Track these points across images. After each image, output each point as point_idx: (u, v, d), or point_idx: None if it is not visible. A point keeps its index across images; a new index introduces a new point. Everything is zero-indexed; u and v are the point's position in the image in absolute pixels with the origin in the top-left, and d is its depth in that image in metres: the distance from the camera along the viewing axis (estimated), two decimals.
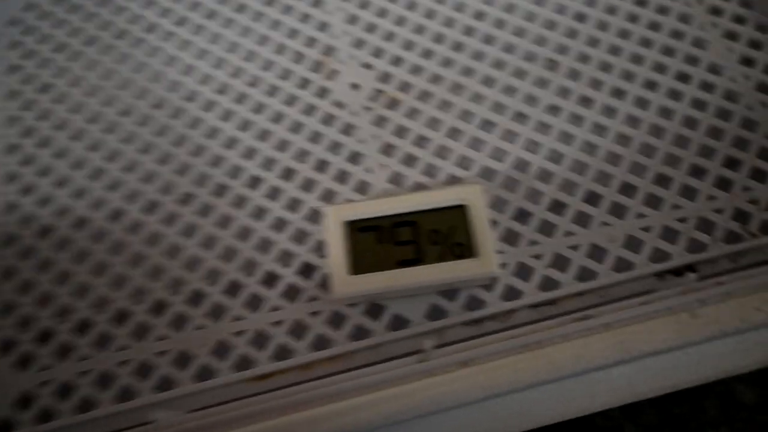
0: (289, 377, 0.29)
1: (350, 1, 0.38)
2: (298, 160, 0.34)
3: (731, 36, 0.35)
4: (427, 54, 0.37)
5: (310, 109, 0.35)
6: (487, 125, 0.34)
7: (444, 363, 0.25)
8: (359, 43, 0.37)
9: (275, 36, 0.37)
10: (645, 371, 0.25)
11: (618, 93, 0.34)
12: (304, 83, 0.36)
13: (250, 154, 0.34)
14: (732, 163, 0.32)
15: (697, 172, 0.32)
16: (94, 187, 0.34)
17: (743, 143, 0.32)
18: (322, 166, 0.34)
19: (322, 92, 0.36)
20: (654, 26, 0.36)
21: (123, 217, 0.33)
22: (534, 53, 0.36)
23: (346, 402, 0.24)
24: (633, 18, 0.36)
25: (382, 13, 0.38)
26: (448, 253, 0.28)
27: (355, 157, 0.34)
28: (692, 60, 0.35)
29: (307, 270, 0.31)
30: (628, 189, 0.32)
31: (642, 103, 0.34)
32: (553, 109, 0.34)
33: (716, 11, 0.36)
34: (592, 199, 0.32)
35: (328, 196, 0.33)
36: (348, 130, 0.35)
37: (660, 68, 0.35)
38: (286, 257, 0.31)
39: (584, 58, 0.35)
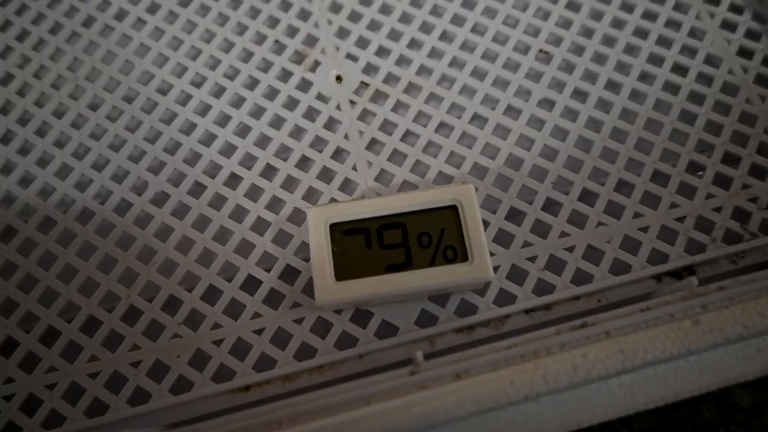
0: (271, 388, 0.27)
1: None
2: (278, 157, 0.32)
3: (729, 27, 0.34)
4: (415, 45, 0.35)
5: (291, 103, 0.33)
6: (477, 120, 0.33)
7: (436, 375, 0.24)
8: (343, 33, 0.35)
9: (254, 24, 0.35)
10: (645, 380, 0.24)
11: (613, 86, 0.33)
12: (285, 75, 0.34)
13: (227, 150, 0.32)
14: (731, 160, 0.31)
15: (695, 168, 0.31)
16: (59, 185, 0.31)
17: (742, 138, 0.31)
18: (304, 163, 0.32)
19: (304, 85, 0.34)
20: (649, 16, 0.35)
21: (91, 218, 0.31)
22: (527, 44, 0.34)
23: (333, 418, 0.23)
24: (628, 8, 0.35)
25: (366, 1, 0.36)
26: (439, 257, 0.27)
27: (339, 154, 0.32)
28: (689, 51, 0.34)
29: (289, 274, 0.29)
30: (624, 187, 0.30)
31: (637, 95, 0.33)
32: (547, 103, 0.33)
33: (714, 0, 0.35)
34: (588, 197, 0.30)
35: (311, 196, 0.31)
36: (331, 125, 0.33)
37: (656, 60, 0.33)
38: (267, 260, 0.30)
39: (578, 50, 0.34)
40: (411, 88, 0.34)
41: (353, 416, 0.23)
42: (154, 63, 0.34)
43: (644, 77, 0.33)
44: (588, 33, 0.34)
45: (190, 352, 0.28)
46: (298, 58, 0.34)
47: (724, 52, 0.33)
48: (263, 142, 0.32)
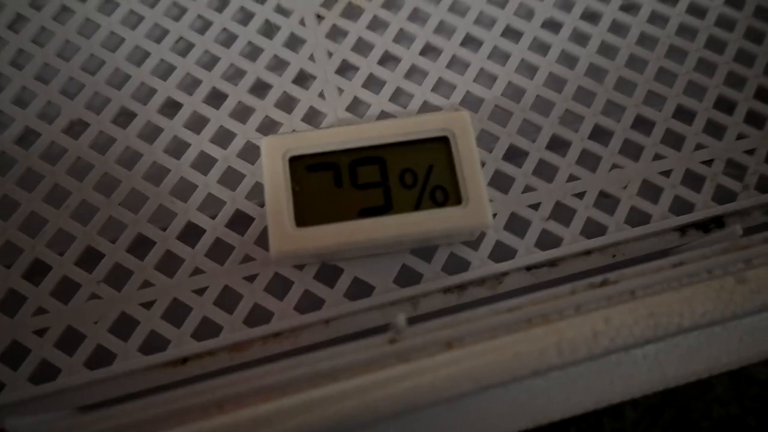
0: (214, 361, 0.22)
1: None
2: (229, 81, 0.26)
3: None
4: None
5: (245, 17, 0.27)
6: (471, 42, 0.27)
7: (422, 343, 0.19)
8: None
9: None
10: (674, 350, 0.20)
11: (630, 7, 0.28)
12: None
13: (165, 71, 0.26)
14: (765, 95, 0.26)
15: (725, 104, 0.26)
16: None
17: None
18: (259, 88, 0.26)
19: None
20: None
21: None
22: None
23: (290, 398, 0.18)
24: None
25: None
26: (425, 200, 0.21)
27: (303, 79, 0.26)
28: None
29: (239, 222, 0.24)
30: (642, 124, 0.26)
31: (657, 18, 0.28)
32: (553, 24, 0.27)
33: None
34: (600, 135, 0.25)
35: (268, 128, 0.25)
36: (294, 44, 0.27)
37: None
38: (211, 205, 0.24)
39: None
40: (391, 2, 0.28)
41: (316, 396, 0.18)
42: None
43: None
44: None
45: (112, 317, 0.22)
46: None
47: None
48: (209, 62, 0.26)
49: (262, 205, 0.24)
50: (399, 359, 0.18)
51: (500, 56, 0.27)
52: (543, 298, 0.20)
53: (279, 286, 0.23)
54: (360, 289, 0.23)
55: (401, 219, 0.21)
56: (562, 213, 0.24)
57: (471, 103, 0.26)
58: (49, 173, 0.24)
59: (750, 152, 0.25)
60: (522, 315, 0.19)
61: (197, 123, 0.25)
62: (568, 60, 0.27)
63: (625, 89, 0.26)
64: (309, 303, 0.23)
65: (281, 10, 0.27)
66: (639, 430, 0.28)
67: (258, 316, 0.22)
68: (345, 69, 0.27)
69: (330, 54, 0.27)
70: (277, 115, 0.25)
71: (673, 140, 0.25)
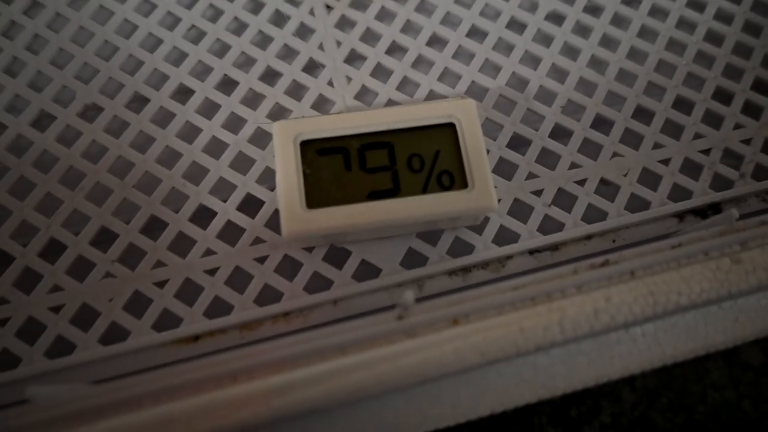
0: (226, 339, 0.23)
1: None
2: (240, 68, 0.27)
3: None
4: None
5: (256, 6, 0.28)
6: (476, 33, 0.28)
7: (429, 320, 0.19)
8: None
9: None
10: (672, 329, 0.21)
11: (630, 1, 0.29)
12: None
13: (178, 58, 0.27)
14: (762, 87, 0.27)
15: (723, 95, 0.27)
16: None
17: None
18: (270, 76, 0.27)
19: None
20: None
21: (2, 133, 0.25)
22: None
23: (300, 371, 0.18)
24: None
25: None
26: (432, 184, 0.22)
27: (312, 67, 0.27)
28: None
29: (250, 205, 0.24)
30: (642, 114, 0.26)
31: (658, 12, 0.28)
32: (556, 17, 0.28)
33: None
34: (602, 125, 0.26)
35: (278, 115, 0.26)
36: (303, 33, 0.28)
37: None
38: (223, 188, 0.25)
39: None
40: None
41: (326, 368, 0.18)
42: None
43: None
44: None
45: (126, 295, 0.23)
46: None
47: None
48: (220, 50, 0.27)
49: (272, 189, 0.25)
50: (406, 335, 0.19)
51: (505, 47, 0.27)
52: (546, 277, 0.20)
53: (289, 268, 0.24)
54: (367, 271, 0.24)
55: (409, 202, 0.22)
56: (563, 199, 0.25)
57: (476, 92, 0.27)
58: (64, 156, 0.24)
59: (747, 142, 0.26)
60: (526, 293, 0.20)
61: (209, 109, 0.26)
62: (570, 52, 0.27)
63: (626, 80, 0.27)
64: (318, 284, 0.23)
65: (291, 0, 0.28)
66: (637, 413, 0.28)
67: (268, 296, 0.23)
68: (353, 58, 0.27)
69: (339, 43, 0.27)
70: (287, 102, 0.26)
71: (672, 130, 0.26)
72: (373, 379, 0.18)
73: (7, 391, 0.21)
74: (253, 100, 0.26)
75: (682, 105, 0.26)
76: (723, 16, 0.28)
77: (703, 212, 0.25)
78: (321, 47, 0.27)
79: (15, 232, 0.23)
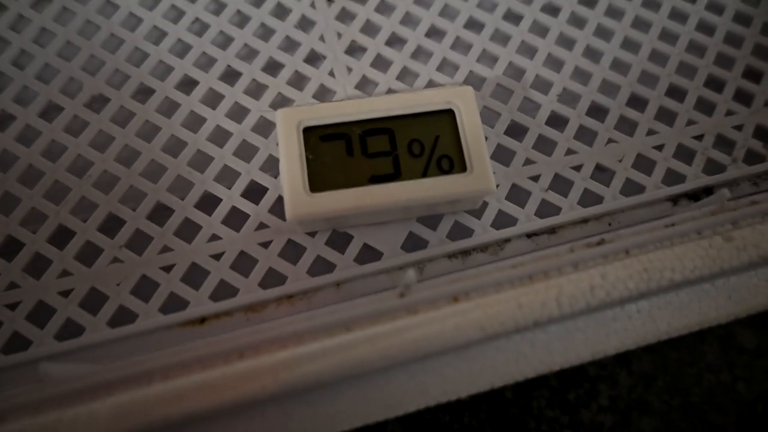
0: (231, 321, 0.23)
1: None
2: (243, 60, 0.27)
3: None
4: None
5: None
6: (473, 24, 0.28)
7: (430, 297, 0.20)
8: None
9: None
10: (666, 306, 0.21)
11: None
12: None
13: (182, 50, 0.27)
14: (752, 75, 0.28)
15: (715, 83, 0.28)
16: None
17: (764, 52, 0.28)
18: (272, 67, 0.27)
19: None
20: None
21: (11, 123, 0.25)
22: None
23: (306, 347, 0.19)
24: None
25: None
26: (432, 168, 0.23)
27: (313, 59, 0.28)
28: None
29: (254, 191, 0.25)
30: (637, 102, 0.27)
31: (652, 4, 0.29)
32: (551, 9, 0.29)
33: None
34: (597, 112, 0.27)
35: (281, 104, 0.27)
36: (305, 25, 0.28)
37: None
38: (227, 176, 0.25)
39: None
40: None
41: (330, 344, 0.19)
42: None
43: None
44: None
45: (133, 280, 0.23)
46: None
47: None
48: (224, 42, 0.28)
49: (275, 176, 0.25)
50: (408, 312, 0.20)
51: (501, 38, 0.28)
52: (543, 256, 0.21)
53: (292, 252, 0.24)
54: (369, 255, 0.24)
55: (410, 185, 0.22)
56: (560, 184, 0.25)
57: (474, 82, 0.27)
58: (72, 145, 0.25)
59: (738, 128, 0.26)
60: (524, 272, 0.20)
61: (213, 99, 0.26)
62: (566, 42, 0.28)
63: (620, 69, 0.28)
64: (321, 267, 0.24)
65: None
66: (634, 396, 0.29)
67: (272, 279, 0.24)
68: (354, 49, 0.28)
69: (339, 35, 0.28)
70: (289, 92, 0.27)
71: (666, 117, 0.27)
72: (376, 353, 0.19)
73: (18, 373, 0.22)
74: (256, 90, 0.27)
75: (675, 93, 0.27)
76: (714, 7, 0.29)
77: (696, 196, 0.25)
78: (322, 39, 0.28)
79: (25, 219, 0.24)
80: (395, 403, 0.20)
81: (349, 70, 0.27)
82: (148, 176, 0.25)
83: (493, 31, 0.28)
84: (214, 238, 0.24)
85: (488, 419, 0.29)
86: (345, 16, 0.29)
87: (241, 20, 0.28)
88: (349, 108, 0.23)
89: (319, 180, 0.22)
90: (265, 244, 0.24)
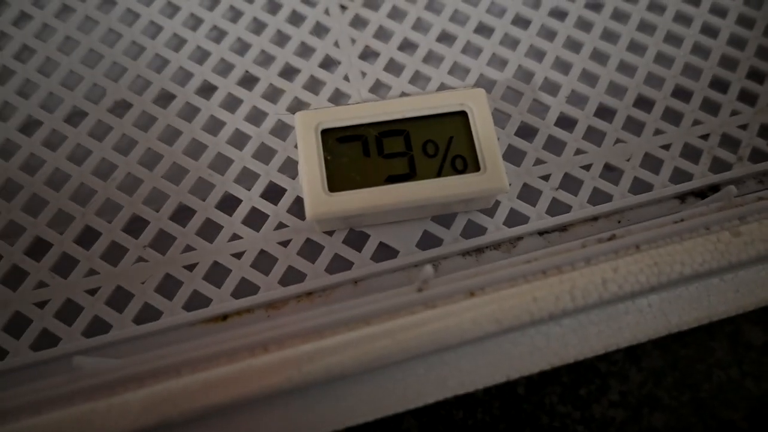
0: (252, 318, 0.24)
1: None
2: (260, 65, 0.28)
3: None
4: None
5: (273, 7, 0.29)
6: (483, 29, 0.29)
7: (447, 291, 0.20)
8: None
9: None
10: (677, 300, 0.22)
11: None
12: None
13: (201, 56, 0.28)
14: (756, 75, 0.28)
15: (719, 84, 0.28)
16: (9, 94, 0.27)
17: (767, 53, 0.29)
18: (288, 72, 0.28)
19: None
20: None
21: (38, 129, 0.26)
22: None
23: (327, 340, 0.19)
24: None
25: None
26: (447, 168, 0.23)
27: (328, 64, 0.28)
28: None
29: (273, 192, 0.26)
30: (643, 103, 0.28)
31: (657, 8, 0.30)
32: (559, 14, 0.30)
33: None
34: (605, 113, 0.27)
35: (297, 108, 0.27)
36: (319, 31, 0.29)
37: None
38: (247, 177, 0.26)
39: None
40: None
41: (351, 337, 0.19)
42: None
43: None
44: None
45: (158, 278, 0.24)
46: None
47: None
48: (241, 48, 0.28)
49: (293, 177, 0.26)
50: (426, 306, 0.20)
51: (511, 42, 0.29)
52: (556, 251, 0.22)
53: (310, 250, 0.25)
54: (385, 253, 0.25)
55: (425, 185, 0.23)
56: (570, 183, 0.26)
57: (484, 84, 0.28)
58: (97, 149, 0.26)
59: (743, 127, 0.27)
60: (537, 267, 0.21)
61: (232, 103, 0.27)
62: (573, 45, 0.29)
63: (627, 71, 0.28)
64: (339, 265, 0.25)
65: (307, 1, 0.29)
66: (644, 392, 0.29)
67: (292, 277, 0.24)
68: (367, 54, 0.29)
69: (353, 41, 0.29)
70: (306, 96, 0.27)
71: (672, 117, 0.27)
72: (396, 346, 0.19)
73: (48, 368, 0.22)
74: (273, 94, 0.28)
75: (681, 94, 0.28)
76: (718, 10, 0.30)
77: (703, 194, 0.26)
78: (336, 44, 0.29)
79: (52, 220, 0.25)
80: (414, 394, 0.20)
81: (363, 74, 0.28)
82: (171, 178, 0.26)
83: (503, 36, 0.29)
84: (235, 237, 0.25)
85: (501, 415, 0.29)
86: (358, 22, 0.29)
87: (258, 27, 0.29)
88: (365, 110, 0.24)
89: (337, 180, 0.23)
90: (285, 243, 0.25)
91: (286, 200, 0.25)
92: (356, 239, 0.25)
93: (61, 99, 0.27)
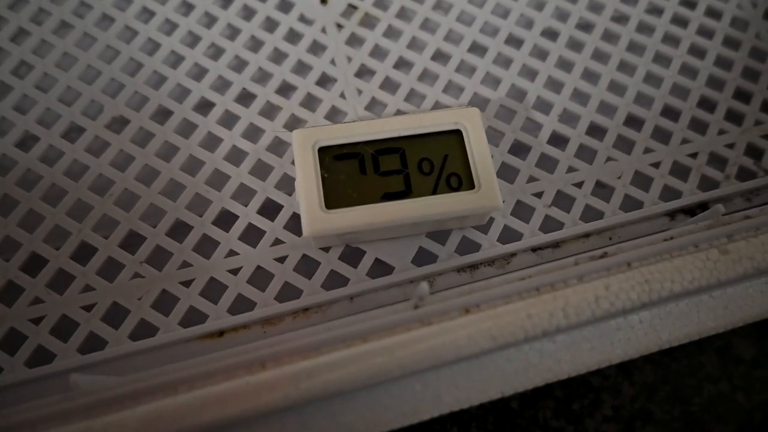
0: (249, 334, 0.24)
1: None
2: (257, 83, 0.28)
3: None
4: None
5: (271, 25, 0.30)
6: (477, 49, 0.30)
7: (442, 309, 0.21)
8: None
9: None
10: (667, 316, 0.22)
11: (620, 18, 0.31)
12: None
13: (199, 73, 0.29)
14: (742, 96, 0.29)
15: (707, 104, 0.29)
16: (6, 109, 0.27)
17: (753, 74, 0.30)
18: (285, 89, 0.28)
19: (285, 5, 0.30)
20: None
21: (35, 144, 0.26)
22: None
23: (325, 357, 0.20)
24: None
25: None
26: (442, 185, 0.24)
27: (325, 81, 0.29)
28: None
29: (270, 209, 0.26)
30: (634, 122, 0.28)
31: (646, 29, 0.31)
32: (551, 34, 0.30)
33: None
34: (596, 131, 0.28)
35: (294, 125, 0.28)
36: (316, 49, 0.30)
37: None
38: (243, 194, 0.26)
39: None
40: (404, 13, 0.31)
41: (349, 354, 0.20)
42: None
43: (652, 10, 0.31)
44: None
45: (154, 294, 0.24)
46: None
47: None
48: (239, 65, 0.29)
49: (289, 194, 0.26)
50: (422, 323, 0.21)
51: (504, 61, 0.30)
52: (549, 269, 0.22)
53: (307, 267, 0.25)
54: (381, 269, 0.25)
55: (420, 202, 0.23)
56: (562, 200, 0.27)
57: (478, 103, 0.28)
58: (94, 164, 0.26)
59: (730, 146, 0.28)
60: (531, 284, 0.21)
61: (229, 120, 0.27)
62: (565, 65, 0.30)
63: (617, 91, 0.29)
64: (335, 281, 0.25)
65: (304, 20, 0.30)
66: (637, 406, 0.30)
67: (288, 293, 0.24)
68: (363, 72, 0.29)
69: (349, 59, 0.29)
70: (302, 113, 0.28)
71: (661, 136, 0.28)
72: (393, 362, 0.19)
73: (43, 386, 0.22)
74: (270, 111, 0.28)
75: (670, 113, 0.28)
76: (705, 32, 0.30)
77: (692, 211, 0.27)
78: (333, 62, 0.29)
79: (48, 236, 0.25)
80: (411, 410, 0.20)
81: (359, 92, 0.28)
82: (167, 194, 0.26)
83: (496, 55, 0.29)
84: (232, 253, 0.25)
85: (495, 430, 0.29)
86: (354, 40, 0.30)
87: (255, 45, 0.29)
88: (361, 128, 0.24)
89: (333, 197, 0.23)
90: (281, 260, 0.25)
91: (283, 216, 0.26)
92: (352, 255, 0.25)
93: (59, 115, 0.27)
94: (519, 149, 0.27)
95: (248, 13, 0.30)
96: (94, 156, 0.26)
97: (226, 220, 0.26)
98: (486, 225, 0.26)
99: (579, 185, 0.27)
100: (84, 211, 0.25)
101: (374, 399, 0.20)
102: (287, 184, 0.26)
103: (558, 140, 0.28)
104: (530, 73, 0.29)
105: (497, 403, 0.30)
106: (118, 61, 0.28)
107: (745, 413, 0.30)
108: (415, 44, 0.30)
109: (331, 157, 0.24)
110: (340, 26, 0.30)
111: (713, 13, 0.31)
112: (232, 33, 0.30)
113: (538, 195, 0.27)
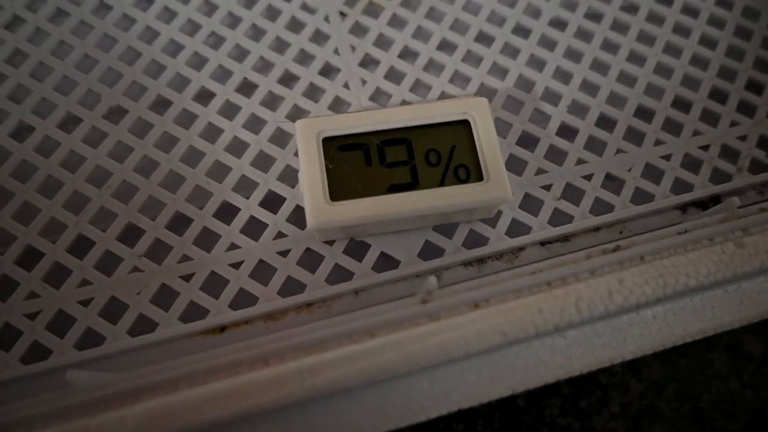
0: (251, 329, 0.23)
1: None
2: (259, 72, 0.28)
3: None
4: None
5: (273, 13, 0.29)
6: (484, 38, 0.29)
7: (451, 303, 0.20)
8: None
9: None
10: (681, 311, 0.22)
11: (629, 8, 0.30)
12: None
13: (199, 62, 0.28)
14: (755, 87, 0.28)
15: (718, 95, 0.28)
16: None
17: (766, 65, 0.29)
18: (288, 79, 0.28)
19: None
20: None
21: (30, 135, 0.26)
22: None
23: (331, 353, 0.19)
24: None
25: None
26: (450, 177, 0.23)
27: (328, 71, 0.28)
28: None
29: (272, 201, 0.25)
30: (644, 113, 0.28)
31: (656, 19, 0.30)
32: (559, 24, 0.30)
33: None
34: (605, 123, 0.27)
35: (296, 115, 0.27)
36: (319, 38, 0.29)
37: None
38: (245, 186, 0.25)
39: None
40: (408, 2, 0.30)
41: (356, 350, 0.19)
42: None
43: (662, 0, 0.30)
44: None
45: (153, 289, 0.23)
46: None
47: None
48: (240, 54, 0.28)
49: (292, 186, 0.25)
50: (430, 318, 0.20)
51: (511, 51, 0.29)
52: (560, 263, 0.22)
53: (310, 260, 0.24)
54: (386, 263, 0.24)
55: (427, 194, 0.23)
56: (572, 193, 0.26)
57: (485, 93, 0.28)
58: (91, 155, 0.25)
59: (743, 138, 0.27)
60: (542, 278, 0.21)
61: (230, 110, 0.27)
62: (573, 55, 0.29)
63: (627, 81, 0.28)
64: (339, 275, 0.24)
65: (306, 8, 0.29)
66: (645, 403, 0.29)
67: (291, 287, 0.24)
68: (367, 62, 0.28)
69: (353, 48, 0.28)
70: (305, 103, 0.27)
71: (673, 127, 0.27)
72: (401, 358, 0.19)
73: (39, 382, 0.22)
74: (272, 101, 0.27)
75: (681, 104, 0.28)
76: (716, 21, 0.30)
77: (704, 204, 0.26)
78: (336, 52, 0.28)
79: (44, 229, 0.24)
80: (418, 408, 0.20)
81: (364, 82, 0.28)
82: (167, 186, 0.25)
83: (503, 45, 0.29)
84: (233, 247, 0.24)
85: (502, 427, 0.29)
86: (358, 29, 0.29)
87: (257, 34, 0.29)
88: (367, 119, 0.24)
89: (338, 189, 0.23)
90: (284, 253, 0.24)
91: (286, 209, 0.25)
92: (357, 249, 0.25)
93: (55, 104, 0.26)
94: (527, 141, 0.27)
95: (249, 1, 0.29)
96: (92, 147, 0.26)
97: (227, 212, 0.25)
98: (494, 218, 0.25)
99: (588, 178, 0.26)
100: (81, 203, 0.25)
101: (381, 396, 0.20)
102: (290, 176, 0.26)
103: (567, 132, 0.27)
104: (538, 63, 0.29)
105: (503, 400, 0.29)
106: (116, 49, 0.27)
107: (754, 410, 0.30)
108: (420, 33, 0.29)
109: (335, 147, 0.23)
110: (343, 14, 0.29)
111: (724, 2, 0.30)
112: (233, 21, 0.29)
113: (547, 188, 0.26)
